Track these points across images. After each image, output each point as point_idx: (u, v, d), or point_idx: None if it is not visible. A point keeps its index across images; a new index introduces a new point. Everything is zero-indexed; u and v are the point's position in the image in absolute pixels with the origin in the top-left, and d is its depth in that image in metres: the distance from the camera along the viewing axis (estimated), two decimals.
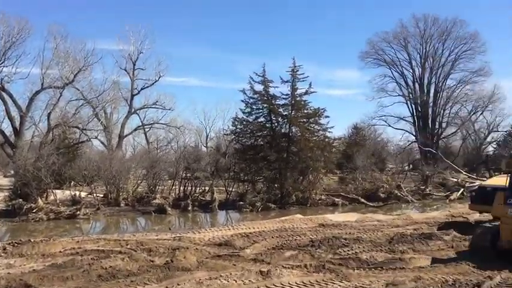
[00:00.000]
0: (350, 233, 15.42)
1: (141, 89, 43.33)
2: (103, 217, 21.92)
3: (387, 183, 30.00)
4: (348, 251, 12.51)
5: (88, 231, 19.15)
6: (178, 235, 14.99)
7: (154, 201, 24.20)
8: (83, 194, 24.34)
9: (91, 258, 11.18)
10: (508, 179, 12.22)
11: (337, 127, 61.83)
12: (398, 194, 28.93)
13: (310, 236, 14.77)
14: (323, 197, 27.37)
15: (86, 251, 12.17)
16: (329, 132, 28.45)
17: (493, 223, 12.49)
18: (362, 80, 76.58)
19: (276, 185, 27.09)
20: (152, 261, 10.99)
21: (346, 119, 65.73)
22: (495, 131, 53.62)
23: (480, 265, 10.59)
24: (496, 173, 33.86)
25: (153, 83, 43.03)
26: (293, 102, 27.24)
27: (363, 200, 27.47)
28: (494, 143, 53.57)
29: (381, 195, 28.42)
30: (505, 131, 51.98)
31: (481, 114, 54.17)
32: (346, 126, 52.69)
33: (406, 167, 47.19)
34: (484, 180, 24.54)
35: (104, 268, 10.18)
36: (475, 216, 19.25)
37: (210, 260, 11.18)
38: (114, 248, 12.64)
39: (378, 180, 30.41)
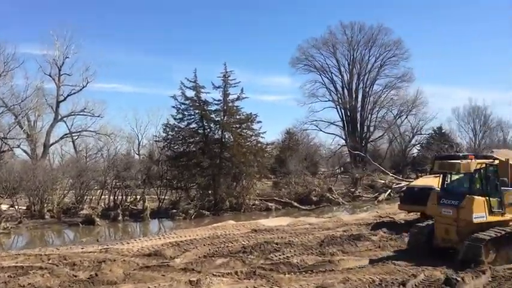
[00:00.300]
0: (282, 238, 15.51)
1: (68, 95, 41.54)
2: (26, 231, 20.66)
3: (319, 187, 30.70)
4: (280, 255, 12.57)
5: (9, 246, 17.94)
6: (105, 247, 14.43)
7: (81, 212, 23.20)
8: (4, 207, 22.90)
9: (8, 276, 10.52)
10: (441, 179, 12.78)
11: (271, 132, 62.51)
12: (330, 196, 29.59)
13: (242, 242, 14.72)
14: (257, 202, 27.47)
15: (3, 268, 11.40)
16: (262, 137, 28.58)
17: (427, 222, 13.01)
18: (294, 86, 77.94)
19: (209, 192, 26.80)
20: (75, 276, 10.47)
21: (279, 124, 66.64)
22: (419, 134, 56.42)
23: (414, 263, 11.00)
24: (422, 174, 35.60)
25: (80, 89, 41.41)
26: (225, 107, 27.11)
27: (295, 203, 27.84)
28: (418, 145, 56.20)
29: (313, 198, 28.96)
30: (428, 134, 54.81)
31: (405, 118, 56.79)
32: (279, 131, 53.41)
33: (338, 170, 48.41)
34: (410, 181, 25.62)
35: (22, 286, 9.64)
36: (401, 216, 20.06)
37: (137, 272, 10.83)
38: (34, 263, 11.92)
39: (311, 184, 31.02)
